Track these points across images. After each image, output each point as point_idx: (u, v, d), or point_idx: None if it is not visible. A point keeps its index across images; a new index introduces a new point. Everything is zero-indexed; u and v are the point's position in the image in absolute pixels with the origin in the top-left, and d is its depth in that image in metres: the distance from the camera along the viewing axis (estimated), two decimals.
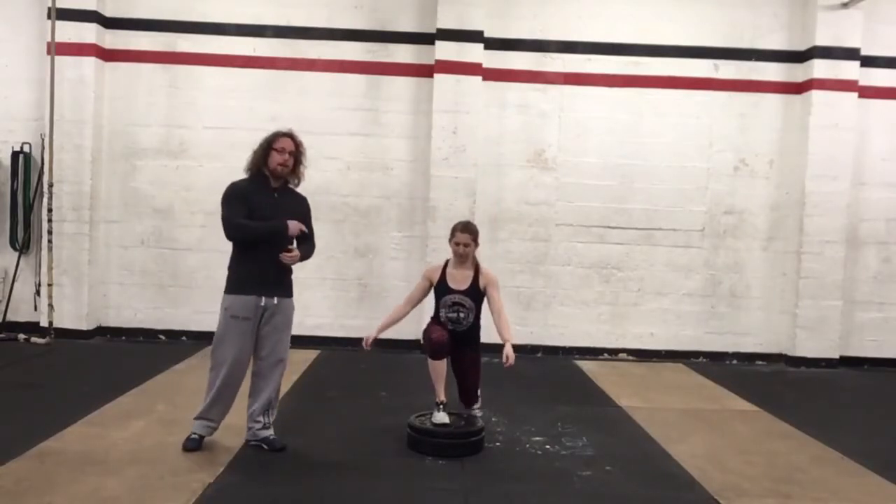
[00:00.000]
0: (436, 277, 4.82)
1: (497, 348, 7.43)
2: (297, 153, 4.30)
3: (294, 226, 4.18)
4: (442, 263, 4.89)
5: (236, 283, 4.21)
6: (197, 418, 4.31)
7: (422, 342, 4.92)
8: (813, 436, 5.08)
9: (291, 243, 4.24)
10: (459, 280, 4.77)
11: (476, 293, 4.76)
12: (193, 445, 4.24)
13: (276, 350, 4.35)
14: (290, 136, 4.28)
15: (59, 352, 6.94)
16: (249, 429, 4.41)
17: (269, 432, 4.41)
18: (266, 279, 4.21)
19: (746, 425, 5.36)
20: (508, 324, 4.75)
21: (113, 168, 7.65)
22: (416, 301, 4.90)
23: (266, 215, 4.17)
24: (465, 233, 4.73)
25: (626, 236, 7.74)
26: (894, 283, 7.81)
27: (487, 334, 7.47)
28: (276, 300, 4.25)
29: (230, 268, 4.27)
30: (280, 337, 4.35)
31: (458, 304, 4.74)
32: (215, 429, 4.34)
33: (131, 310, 7.69)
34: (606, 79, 7.70)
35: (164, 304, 7.66)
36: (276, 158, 4.21)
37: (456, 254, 4.76)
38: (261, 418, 4.38)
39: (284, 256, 4.23)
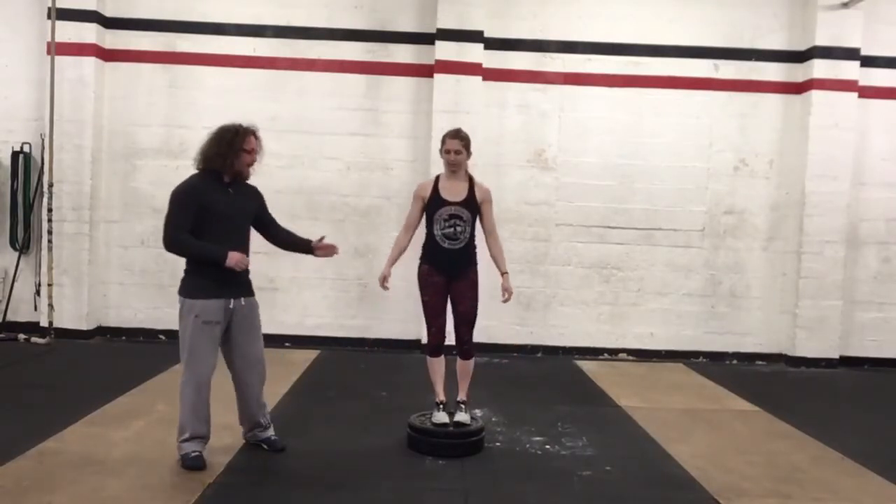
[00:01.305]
0: (428, 192, 4.57)
1: (496, 348, 7.52)
2: (259, 148, 4.15)
3: (234, 259, 3.94)
4: (432, 179, 4.67)
5: (203, 287, 3.98)
6: (191, 439, 4.03)
7: (417, 280, 4.66)
8: (813, 436, 5.08)
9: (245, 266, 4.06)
10: (454, 191, 4.54)
11: (473, 204, 4.55)
12: (200, 463, 3.99)
13: (255, 350, 4.23)
14: (255, 133, 4.11)
15: (59, 352, 6.94)
16: (249, 431, 4.38)
17: (270, 432, 4.39)
18: (231, 280, 4.05)
19: (746, 425, 5.36)
20: (503, 251, 4.67)
21: (113, 168, 7.65)
22: (415, 225, 4.67)
23: (222, 211, 3.99)
24: (455, 138, 4.51)
25: (626, 236, 7.74)
26: (894, 283, 7.81)
27: (486, 334, 7.50)
28: (242, 301, 4.12)
29: (190, 270, 4.05)
30: (255, 336, 4.22)
31: (455, 216, 4.50)
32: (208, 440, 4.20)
33: (131, 310, 7.69)
34: (606, 79, 7.70)
35: (164, 304, 7.65)
36: (246, 160, 4.07)
37: (447, 163, 4.54)
38: (260, 420, 4.35)
39: (330, 251, 4.38)
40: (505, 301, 4.62)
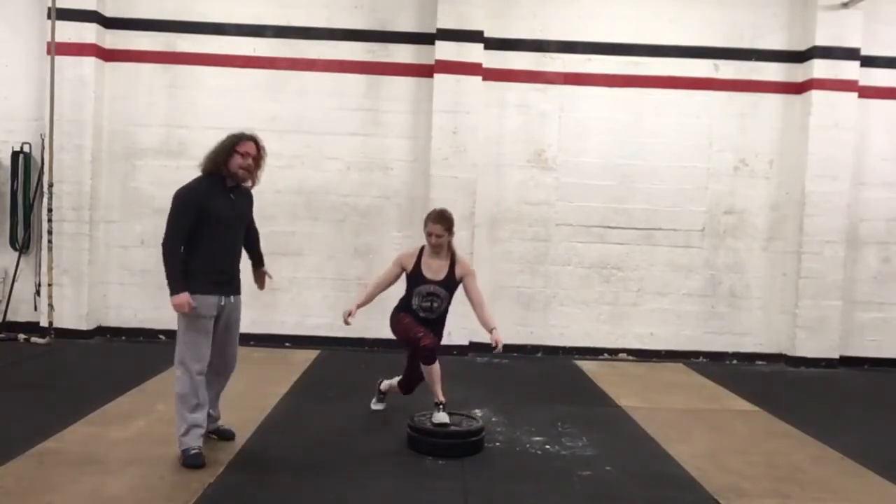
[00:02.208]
0: (410, 265, 4.72)
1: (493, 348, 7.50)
2: (259, 158, 4.23)
3: (179, 301, 4.00)
4: (417, 250, 4.78)
5: (199, 283, 4.08)
6: (189, 432, 4.07)
7: (391, 328, 4.83)
8: (813, 436, 5.08)
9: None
10: (435, 269, 4.69)
11: (452, 284, 4.71)
12: (200, 461, 4.02)
13: (232, 347, 4.38)
14: (254, 139, 4.21)
15: (59, 352, 6.94)
16: None
17: (221, 422, 4.49)
18: (225, 278, 4.20)
19: (746, 425, 5.37)
20: (490, 312, 4.75)
21: (113, 168, 7.65)
22: (385, 287, 4.83)
23: (224, 216, 4.12)
24: (438, 223, 4.62)
25: (626, 236, 7.74)
26: (894, 283, 7.81)
27: (485, 334, 7.48)
28: (232, 299, 4.26)
29: (185, 268, 4.10)
30: (235, 333, 4.38)
31: (433, 294, 4.68)
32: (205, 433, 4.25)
33: (131, 310, 7.69)
34: (606, 79, 7.70)
35: (164, 304, 7.47)
36: (237, 161, 4.13)
37: (430, 244, 4.67)
38: (212, 412, 4.41)
39: (267, 282, 4.57)
40: (495, 350, 4.60)
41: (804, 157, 7.57)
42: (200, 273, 4.10)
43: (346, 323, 4.71)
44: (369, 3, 7.64)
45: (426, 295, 4.69)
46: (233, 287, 4.28)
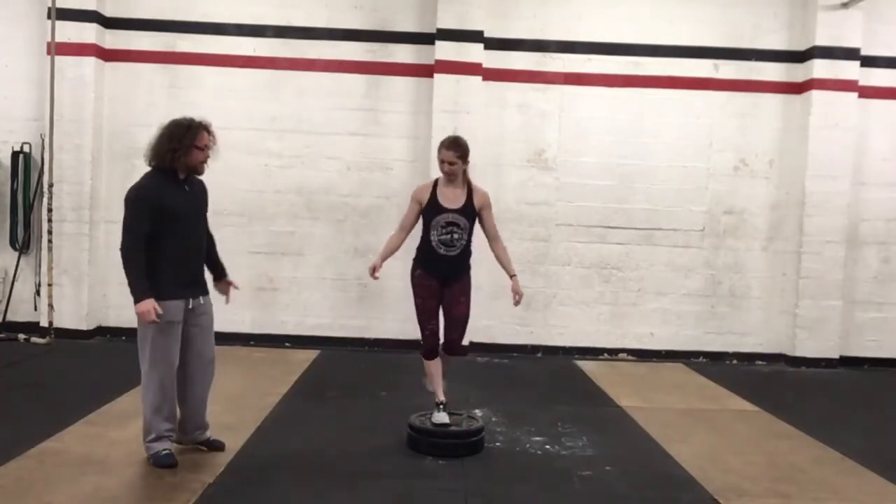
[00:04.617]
0: (426, 197, 4.53)
1: (496, 348, 7.52)
2: (212, 145, 4.06)
3: (143, 308, 3.80)
4: (431, 182, 4.63)
5: (164, 287, 3.89)
6: (158, 438, 4.00)
7: (412, 281, 4.64)
8: (813, 436, 5.08)
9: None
10: (452, 198, 4.50)
11: (471, 212, 4.51)
12: (172, 460, 3.98)
13: (208, 350, 4.18)
14: (207, 129, 4.02)
15: (59, 352, 6.94)
16: (190, 432, 4.22)
17: (208, 433, 4.29)
18: (189, 280, 4.05)
19: (746, 425, 5.37)
20: (508, 252, 4.62)
21: (113, 168, 7.64)
22: (410, 226, 4.62)
23: (182, 212, 3.94)
24: (451, 150, 4.44)
25: (626, 236, 7.74)
26: (894, 283, 7.81)
27: (485, 334, 7.49)
28: (201, 300, 4.10)
29: (150, 272, 3.88)
30: (209, 336, 4.19)
31: (453, 223, 4.46)
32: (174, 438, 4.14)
33: (131, 310, 7.57)
34: (606, 79, 7.70)
35: None
36: (199, 157, 3.97)
37: (443, 172, 4.50)
38: (205, 421, 4.25)
39: (231, 292, 4.35)
40: (516, 304, 4.56)
41: (804, 157, 7.57)
42: (164, 276, 3.90)
43: (374, 277, 4.51)
44: (369, 3, 7.64)
45: (445, 225, 4.45)
46: (199, 288, 4.12)
